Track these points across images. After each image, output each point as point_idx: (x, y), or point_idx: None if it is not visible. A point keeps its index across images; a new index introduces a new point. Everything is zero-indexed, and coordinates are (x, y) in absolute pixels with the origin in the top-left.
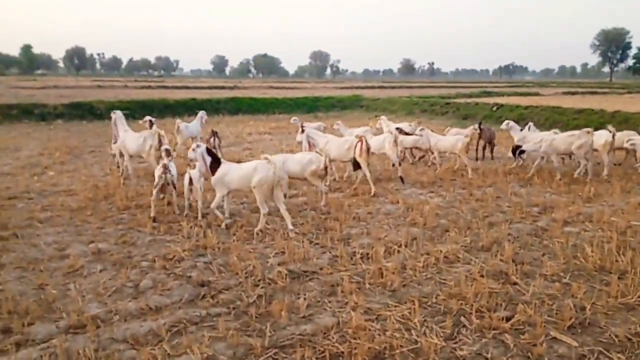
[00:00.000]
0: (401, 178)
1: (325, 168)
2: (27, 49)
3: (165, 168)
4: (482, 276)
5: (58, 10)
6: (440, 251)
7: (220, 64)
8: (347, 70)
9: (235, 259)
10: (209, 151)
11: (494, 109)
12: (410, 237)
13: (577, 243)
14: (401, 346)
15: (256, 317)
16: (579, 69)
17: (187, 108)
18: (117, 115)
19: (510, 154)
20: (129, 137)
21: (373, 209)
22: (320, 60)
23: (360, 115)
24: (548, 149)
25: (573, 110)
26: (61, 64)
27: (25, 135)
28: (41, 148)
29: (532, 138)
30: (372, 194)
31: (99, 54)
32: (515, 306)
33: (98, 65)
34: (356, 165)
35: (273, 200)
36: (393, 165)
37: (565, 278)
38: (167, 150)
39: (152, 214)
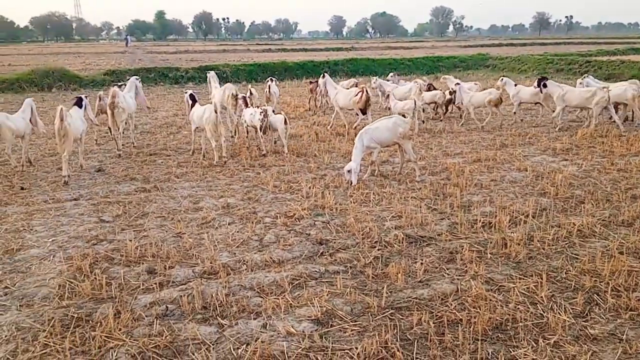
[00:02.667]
0: (423, 121)
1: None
2: (160, 15)
3: (265, 113)
4: (621, 253)
5: None
6: (574, 224)
7: (337, 24)
8: (471, 27)
9: (352, 220)
10: (192, 96)
11: None
12: (539, 208)
13: None
14: (525, 319)
15: (373, 277)
16: None
17: (305, 70)
18: (211, 74)
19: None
20: (217, 92)
21: (497, 175)
22: (442, 17)
23: (486, 75)
24: (559, 101)
25: None
26: (190, 29)
27: (161, 97)
28: (175, 109)
29: (525, 93)
30: (354, 126)
31: (224, 19)
32: None
33: (223, 30)
34: (363, 112)
35: (217, 136)
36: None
37: None
38: (243, 98)
39: (261, 149)
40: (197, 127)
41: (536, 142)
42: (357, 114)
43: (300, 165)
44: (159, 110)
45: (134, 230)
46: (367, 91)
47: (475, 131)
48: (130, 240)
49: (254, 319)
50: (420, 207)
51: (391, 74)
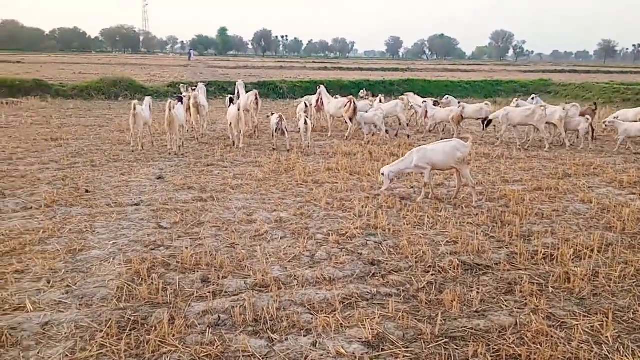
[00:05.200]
0: (408, 135)
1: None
2: (222, 31)
3: (281, 118)
4: None
5: None
6: None
7: (394, 45)
8: (532, 52)
9: (406, 242)
10: (230, 99)
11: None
12: (604, 242)
13: None
14: None
15: (426, 303)
16: None
17: (361, 89)
18: (239, 83)
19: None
20: (243, 97)
21: (560, 206)
22: (502, 41)
23: (547, 102)
24: (503, 120)
25: None
26: (250, 46)
27: (219, 110)
28: None
29: (446, 112)
30: (346, 137)
31: (282, 37)
32: None
33: (281, 47)
34: (350, 120)
35: (239, 128)
36: (400, 124)
37: None
38: (272, 113)
39: (275, 147)
40: (230, 123)
41: (601, 174)
42: (347, 122)
43: (353, 184)
44: (217, 123)
45: (190, 238)
46: (354, 102)
47: (536, 158)
48: (186, 248)
49: (304, 335)
50: (477, 233)
51: (362, 91)
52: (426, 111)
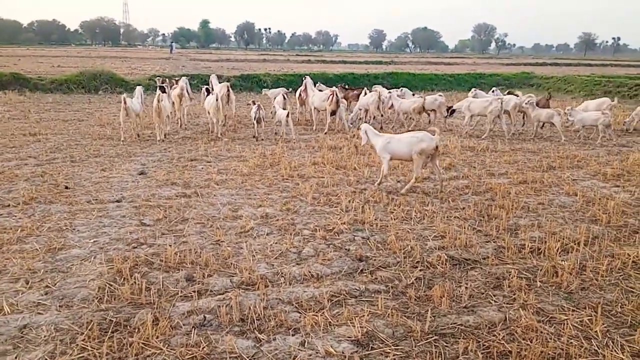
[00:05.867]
0: (381, 128)
1: (436, 147)
2: (205, 23)
3: (259, 108)
4: None
5: None
6: (628, 255)
7: (377, 38)
8: (514, 45)
9: (393, 237)
10: (207, 90)
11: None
12: (590, 235)
13: None
14: (579, 355)
15: (415, 299)
16: None
17: (345, 82)
18: (212, 76)
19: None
20: (217, 88)
21: (545, 199)
22: (484, 34)
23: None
24: (466, 111)
25: None
26: (232, 39)
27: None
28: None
29: (409, 103)
30: (325, 131)
31: (265, 29)
32: None
33: (264, 40)
34: (332, 113)
35: (218, 117)
36: (374, 117)
37: None
38: (253, 102)
39: (255, 135)
40: (208, 111)
41: (585, 166)
42: (328, 115)
43: (339, 178)
44: (200, 117)
45: (173, 235)
46: (337, 94)
47: (520, 151)
48: (170, 246)
49: (292, 335)
50: (465, 227)
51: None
52: (391, 103)
